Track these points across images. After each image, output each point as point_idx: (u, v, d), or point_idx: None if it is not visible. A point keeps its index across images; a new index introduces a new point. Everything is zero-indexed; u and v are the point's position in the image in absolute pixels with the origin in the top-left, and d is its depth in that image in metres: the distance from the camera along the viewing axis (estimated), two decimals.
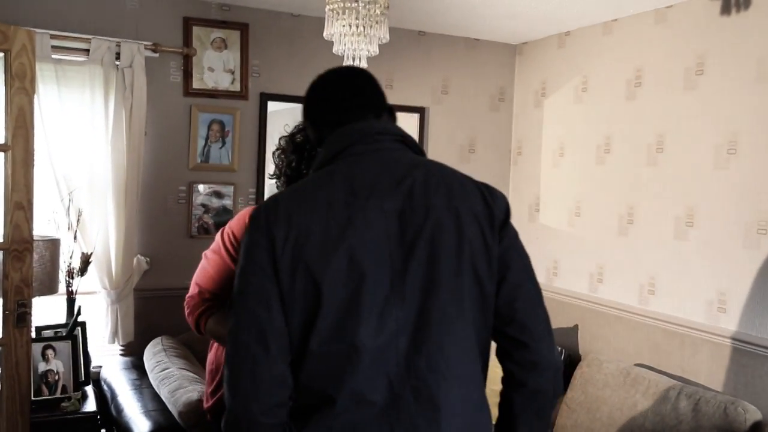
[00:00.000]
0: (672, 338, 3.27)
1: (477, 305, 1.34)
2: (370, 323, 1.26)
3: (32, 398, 2.80)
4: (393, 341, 1.28)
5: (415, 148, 1.45)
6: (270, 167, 4.04)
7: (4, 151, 2.56)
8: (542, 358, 1.37)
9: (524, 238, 1.46)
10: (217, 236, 2.08)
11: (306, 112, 1.50)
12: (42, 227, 3.15)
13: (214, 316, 1.98)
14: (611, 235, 3.67)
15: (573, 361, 3.61)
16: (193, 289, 2.05)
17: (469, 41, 4.33)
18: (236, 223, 2.03)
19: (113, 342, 3.38)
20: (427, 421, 1.27)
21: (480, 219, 1.35)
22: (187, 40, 3.58)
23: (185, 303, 2.06)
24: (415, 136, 4.16)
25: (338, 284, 1.27)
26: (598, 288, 3.75)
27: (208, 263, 2.05)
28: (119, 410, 2.91)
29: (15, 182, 2.57)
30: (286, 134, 2.08)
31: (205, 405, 2.12)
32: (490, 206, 1.38)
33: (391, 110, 1.51)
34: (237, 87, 3.71)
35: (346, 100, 1.45)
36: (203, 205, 3.65)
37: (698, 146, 3.19)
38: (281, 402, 1.28)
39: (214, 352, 2.11)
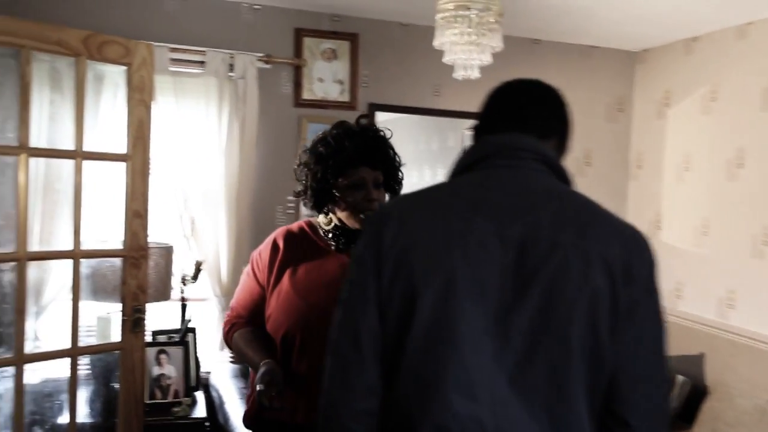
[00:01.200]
0: None
1: (591, 365, 1.16)
2: (461, 354, 1.15)
3: (146, 401, 2.88)
4: (488, 382, 1.15)
5: (561, 174, 1.29)
6: None
7: (125, 161, 2.65)
8: None
9: None
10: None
11: (479, 112, 1.39)
12: (157, 235, 3.25)
13: (239, 331, 2.00)
14: (744, 256, 3.36)
15: (698, 392, 3.33)
16: (230, 306, 2.11)
17: (584, 49, 4.13)
18: (264, 245, 2.05)
19: (223, 349, 3.44)
20: None
21: (612, 268, 1.16)
22: (298, 51, 3.61)
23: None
24: None
25: (432, 303, 1.17)
26: (728, 314, 3.45)
27: (240, 283, 2.10)
28: (226, 418, 2.94)
29: (133, 191, 2.66)
30: (304, 149, 2.01)
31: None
32: (630, 254, 1.18)
33: (564, 138, 1.34)
34: (346, 97, 3.71)
35: (508, 111, 1.32)
36: (309, 216, 3.65)
37: None
38: (370, 411, 1.22)
39: None
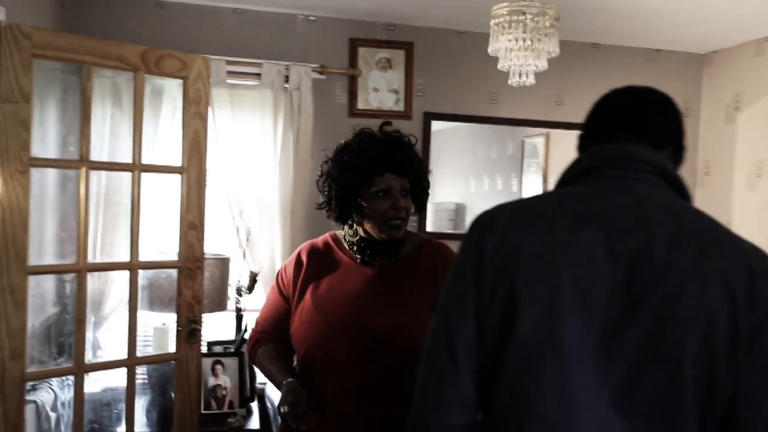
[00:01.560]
0: None
1: (704, 395, 1.07)
2: (563, 373, 1.09)
3: (202, 411, 2.90)
4: (591, 405, 1.07)
5: (679, 189, 1.21)
6: (434, 189, 3.96)
7: (180, 173, 2.68)
8: None
9: None
10: None
11: (586, 121, 1.32)
12: (214, 246, 3.28)
13: (263, 348, 1.96)
14: None
15: None
16: (256, 322, 2.07)
17: (649, 52, 3.99)
18: (290, 260, 2.00)
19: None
20: None
21: (734, 292, 1.07)
22: (353, 61, 3.61)
23: None
24: None
25: (534, 317, 1.11)
26: None
27: (266, 299, 2.06)
28: None
29: (189, 203, 2.69)
30: (326, 159, 1.93)
31: None
32: (756, 278, 1.08)
33: (679, 148, 1.27)
34: (401, 107, 3.68)
35: (619, 119, 1.25)
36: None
37: None
38: (463, 425, 1.17)
39: None
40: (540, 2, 2.45)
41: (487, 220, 1.22)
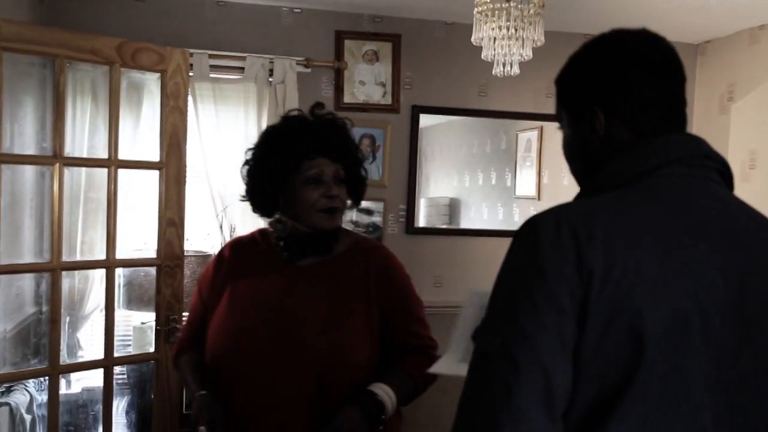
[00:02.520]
0: None
1: None
2: (693, 417, 0.93)
3: (184, 412, 2.84)
4: None
5: (731, 185, 1.09)
6: (428, 184, 3.91)
7: (159, 169, 2.63)
8: None
9: None
10: None
11: (604, 90, 1.09)
12: (197, 243, 3.23)
13: (185, 357, 1.77)
14: None
15: None
16: (180, 329, 1.92)
17: None
18: (212, 258, 1.84)
19: None
20: None
21: None
22: (339, 53, 3.54)
23: None
24: None
25: (667, 362, 0.91)
26: None
27: (191, 303, 1.88)
28: None
29: (168, 200, 2.63)
30: (252, 147, 1.76)
31: None
32: None
33: None
34: (388, 100, 3.61)
35: (659, 96, 1.06)
36: (353, 222, 3.57)
37: None
38: None
39: None
40: None
41: (581, 227, 0.94)
